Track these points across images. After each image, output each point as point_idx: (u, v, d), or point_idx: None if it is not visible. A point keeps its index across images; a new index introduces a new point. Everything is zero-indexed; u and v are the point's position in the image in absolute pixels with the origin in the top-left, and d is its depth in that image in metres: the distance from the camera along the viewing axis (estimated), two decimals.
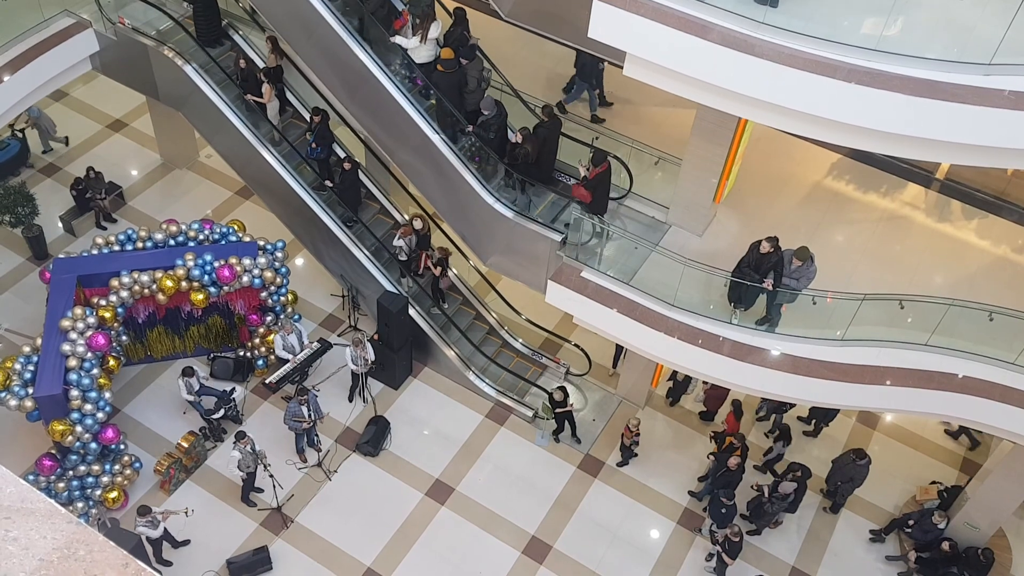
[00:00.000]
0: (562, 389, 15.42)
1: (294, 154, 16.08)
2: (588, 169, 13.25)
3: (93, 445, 13.68)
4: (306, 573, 14.01)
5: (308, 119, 16.10)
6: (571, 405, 15.54)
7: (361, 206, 16.81)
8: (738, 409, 15.43)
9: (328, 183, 16.12)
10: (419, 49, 14.17)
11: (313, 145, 15.82)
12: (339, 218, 16.30)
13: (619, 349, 16.65)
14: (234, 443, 13.85)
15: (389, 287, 16.10)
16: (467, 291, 17.34)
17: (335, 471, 15.22)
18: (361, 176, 16.84)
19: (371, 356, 15.53)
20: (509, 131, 14.32)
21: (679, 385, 16.35)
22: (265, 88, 15.67)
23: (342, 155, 16.55)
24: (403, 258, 16.15)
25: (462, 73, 14.03)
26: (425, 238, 16.18)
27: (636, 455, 15.65)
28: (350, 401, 16.15)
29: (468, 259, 17.07)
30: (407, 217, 16.73)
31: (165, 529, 13.40)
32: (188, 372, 14.71)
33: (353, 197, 16.46)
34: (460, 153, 14.25)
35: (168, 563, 13.82)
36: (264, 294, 15.45)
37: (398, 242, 16.02)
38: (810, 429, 16.45)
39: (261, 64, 16.34)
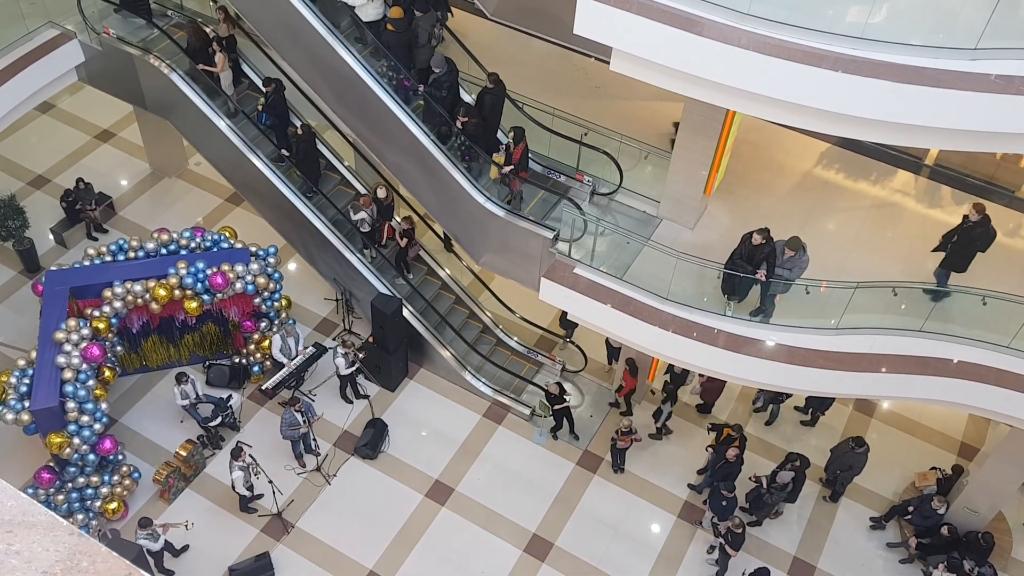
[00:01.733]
0: (558, 385, 15.41)
1: (283, 158, 16.03)
2: (510, 149, 13.52)
3: (91, 456, 13.66)
4: None
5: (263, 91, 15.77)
6: (568, 400, 15.53)
7: (321, 177, 16.61)
8: (632, 366, 15.60)
9: (285, 152, 15.88)
10: (366, 7, 14.02)
11: (259, 109, 15.53)
12: (299, 190, 16.05)
13: (610, 346, 16.65)
14: (232, 461, 13.83)
15: (382, 289, 16.08)
16: (460, 291, 17.32)
17: (334, 475, 15.21)
18: (321, 148, 16.67)
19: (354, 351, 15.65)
20: (461, 89, 14.36)
21: (677, 378, 16.34)
22: (218, 57, 15.42)
23: (298, 124, 16.27)
24: (366, 229, 15.97)
25: (413, 31, 13.94)
26: (388, 208, 15.98)
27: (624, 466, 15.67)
28: (348, 400, 16.18)
29: (461, 259, 17.06)
30: (367, 188, 16.56)
31: (165, 540, 13.38)
32: (182, 379, 14.69)
33: (311, 167, 16.16)
34: (450, 153, 14.24)
35: (170, 572, 13.80)
36: (258, 300, 15.43)
37: (360, 215, 15.79)
38: (807, 419, 16.49)
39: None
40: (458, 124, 13.98)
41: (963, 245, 12.25)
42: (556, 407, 15.49)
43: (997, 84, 8.77)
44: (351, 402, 16.20)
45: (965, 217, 12.24)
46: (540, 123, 14.71)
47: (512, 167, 13.82)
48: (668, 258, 12.41)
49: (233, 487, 14.00)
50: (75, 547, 2.05)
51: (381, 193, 15.80)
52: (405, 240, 16.07)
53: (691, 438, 16.16)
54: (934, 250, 12.45)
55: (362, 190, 16.88)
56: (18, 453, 14.64)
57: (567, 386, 16.27)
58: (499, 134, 14.60)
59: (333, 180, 17.09)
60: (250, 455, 13.90)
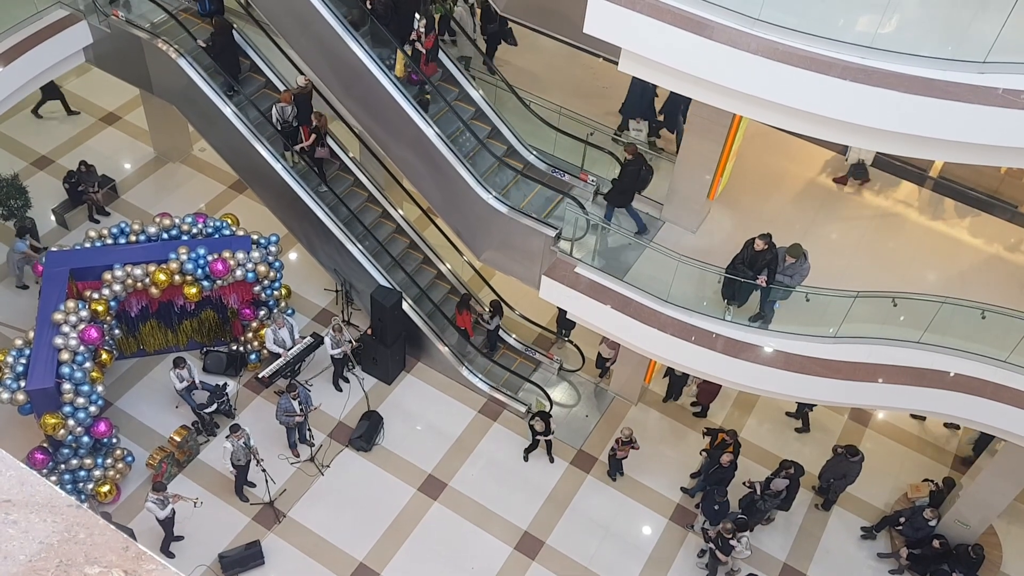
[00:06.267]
0: (542, 420, 15.10)
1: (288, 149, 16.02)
2: (422, 38, 14.12)
3: (85, 439, 13.67)
4: (298, 568, 14.00)
5: None
6: (553, 432, 15.36)
7: (244, 77, 16.21)
8: (464, 302, 16.11)
9: (201, 44, 15.45)
10: None
11: None
12: (219, 87, 15.58)
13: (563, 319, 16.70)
14: (228, 436, 13.84)
15: (383, 281, 16.08)
16: (461, 286, 17.33)
17: (328, 466, 15.21)
18: (245, 46, 16.29)
19: (348, 336, 15.78)
20: None
21: (677, 380, 16.31)
22: None
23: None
24: (279, 128, 15.54)
25: None
26: (305, 102, 15.42)
27: (622, 473, 15.65)
28: (337, 389, 16.22)
29: (462, 254, 17.07)
30: (288, 86, 16.01)
31: (173, 513, 13.35)
32: (179, 363, 14.68)
33: (229, 61, 15.69)
34: (455, 148, 14.26)
35: (178, 538, 13.90)
36: (257, 288, 15.42)
37: (274, 109, 15.41)
38: (800, 425, 16.47)
39: None
40: (367, 4, 13.90)
41: (619, 181, 13.42)
42: (536, 435, 15.45)
43: (1004, 98, 8.77)
44: (340, 389, 16.26)
45: (625, 157, 13.31)
46: (546, 121, 14.74)
47: (424, 53, 14.05)
48: (669, 261, 12.42)
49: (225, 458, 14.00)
50: (73, 518, 2.05)
51: (301, 80, 15.30)
52: (313, 137, 15.57)
53: (686, 442, 16.15)
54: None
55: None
56: (12, 433, 14.62)
57: (565, 388, 16.35)
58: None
59: (257, 82, 16.58)
60: (245, 442, 13.88)
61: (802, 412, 16.47)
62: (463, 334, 16.64)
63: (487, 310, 16.53)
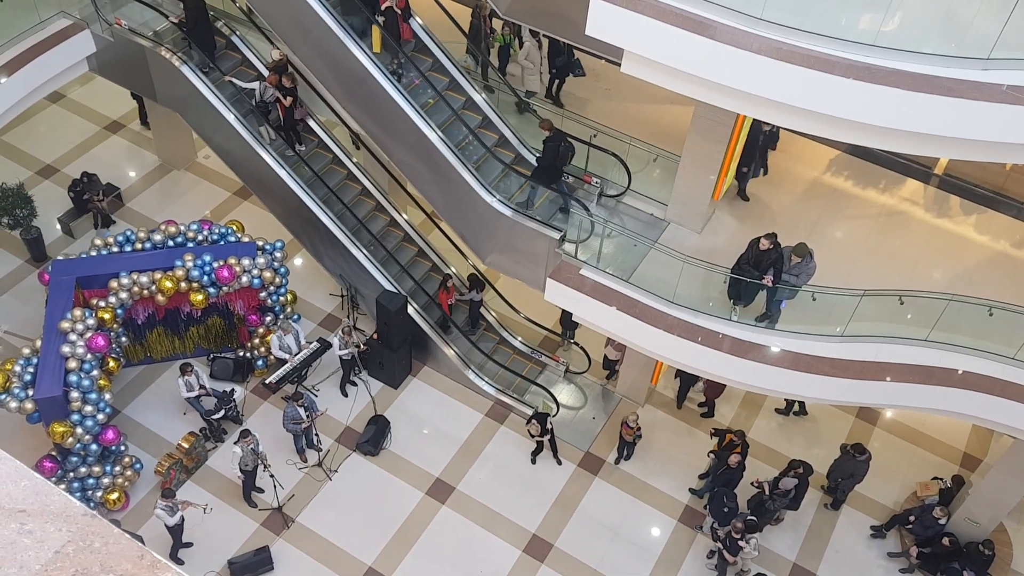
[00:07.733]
0: (539, 418, 15.19)
1: (291, 153, 16.05)
2: None
3: (93, 446, 13.68)
4: (307, 573, 14.01)
5: None
6: (549, 432, 15.39)
7: (220, 53, 16.20)
8: (444, 282, 16.17)
9: (173, 20, 15.45)
10: None
11: None
12: (196, 65, 15.57)
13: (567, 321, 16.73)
14: (237, 440, 13.86)
15: (388, 286, 16.09)
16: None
17: (335, 471, 15.22)
18: (224, 30, 16.29)
19: (356, 339, 15.85)
20: None
21: (687, 380, 16.26)
22: None
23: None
24: (253, 103, 15.61)
25: None
26: (292, 91, 15.60)
27: (632, 452, 15.64)
28: (344, 394, 16.26)
29: (467, 258, 17.07)
30: (269, 68, 15.88)
31: (182, 520, 13.35)
32: (186, 370, 14.70)
33: (203, 38, 15.65)
34: (458, 152, 14.27)
35: (187, 544, 13.91)
36: (263, 294, 15.44)
37: (252, 84, 15.47)
38: (781, 410, 16.61)
39: None
40: None
41: (542, 158, 13.92)
42: (533, 438, 15.48)
43: (1008, 95, 8.76)
44: (347, 394, 16.30)
45: (544, 134, 13.68)
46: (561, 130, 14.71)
47: (399, 13, 14.17)
48: (675, 261, 12.41)
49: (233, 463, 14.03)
50: (88, 527, 2.06)
51: (287, 83, 15.39)
52: (290, 99, 15.54)
53: (693, 443, 16.14)
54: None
55: (264, 71, 16.25)
56: (20, 441, 14.65)
57: (572, 390, 16.35)
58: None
59: (233, 59, 16.55)
60: (254, 448, 13.89)
61: (791, 410, 16.53)
62: (442, 311, 16.66)
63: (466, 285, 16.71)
